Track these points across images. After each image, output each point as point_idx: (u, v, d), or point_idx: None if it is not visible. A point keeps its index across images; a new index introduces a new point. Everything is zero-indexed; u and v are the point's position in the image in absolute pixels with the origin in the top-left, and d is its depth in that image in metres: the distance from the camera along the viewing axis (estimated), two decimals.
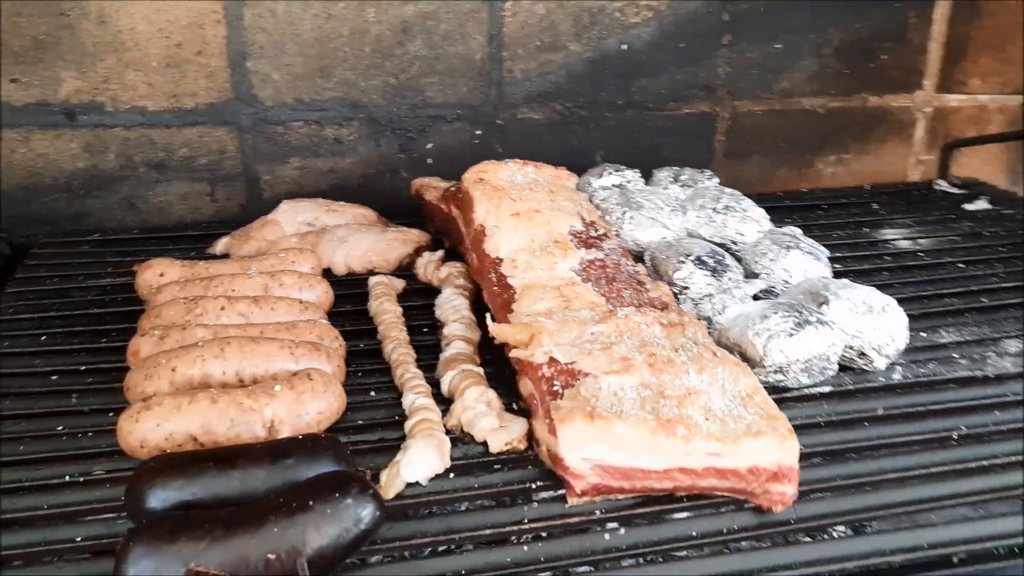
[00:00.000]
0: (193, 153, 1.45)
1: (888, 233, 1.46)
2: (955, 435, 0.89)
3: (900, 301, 1.11)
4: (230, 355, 0.90)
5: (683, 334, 0.91)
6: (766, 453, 0.75)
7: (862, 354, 0.97)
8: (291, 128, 1.47)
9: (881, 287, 1.10)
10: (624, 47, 1.55)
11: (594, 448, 0.77)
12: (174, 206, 1.48)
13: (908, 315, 1.05)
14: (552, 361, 0.86)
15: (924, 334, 1.09)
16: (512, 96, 1.53)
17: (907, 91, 1.70)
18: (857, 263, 1.33)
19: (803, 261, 1.13)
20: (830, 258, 1.21)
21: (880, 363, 0.97)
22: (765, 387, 0.87)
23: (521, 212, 1.13)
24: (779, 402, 0.88)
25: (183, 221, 1.48)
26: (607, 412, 0.78)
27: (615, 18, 1.53)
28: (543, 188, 1.22)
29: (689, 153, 1.62)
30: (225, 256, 1.30)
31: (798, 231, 1.22)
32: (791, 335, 0.91)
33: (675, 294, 1.09)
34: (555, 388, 0.83)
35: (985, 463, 0.86)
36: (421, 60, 1.48)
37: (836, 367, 0.95)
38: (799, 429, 0.80)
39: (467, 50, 1.49)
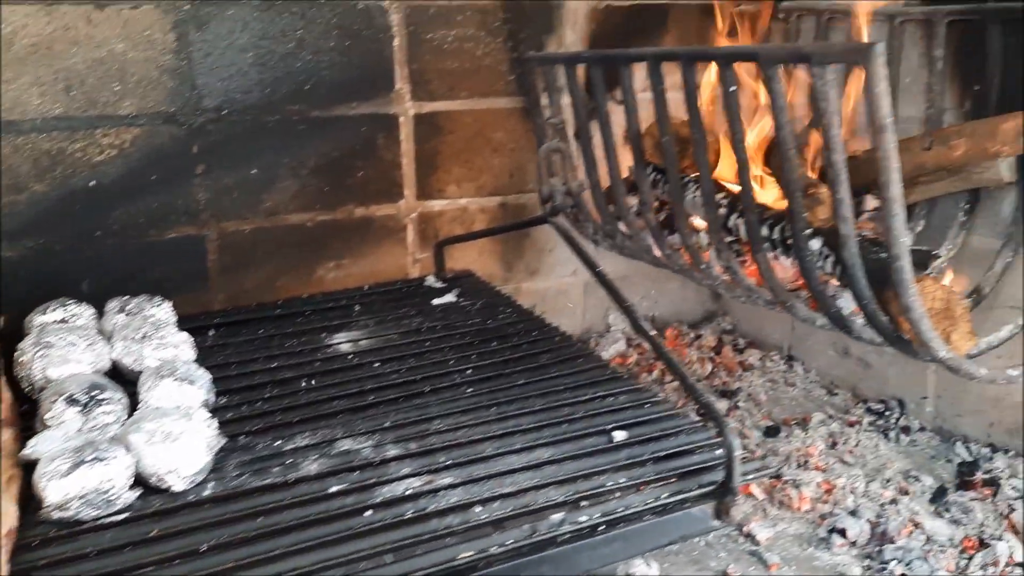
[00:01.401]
0: None
1: (339, 337, 1.63)
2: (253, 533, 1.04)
3: (287, 410, 1.28)
4: None
5: None
6: None
7: (161, 479, 1.10)
8: None
9: (293, 393, 1.30)
10: (93, 183, 1.65)
11: None
12: None
13: (278, 423, 1.23)
14: None
15: (279, 443, 1.25)
16: None
17: (391, 200, 1.91)
18: (286, 371, 1.49)
19: (172, 388, 1.26)
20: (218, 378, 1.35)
21: (180, 484, 1.10)
22: (50, 522, 0.98)
23: None
24: (72, 535, 1.00)
25: None
26: None
27: (78, 158, 1.63)
28: None
29: (183, 274, 1.75)
30: None
31: (185, 355, 1.35)
32: (64, 475, 1.02)
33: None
34: None
35: None
36: None
37: (130, 494, 1.08)
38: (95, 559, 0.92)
39: None
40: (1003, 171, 1.47)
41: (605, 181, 1.67)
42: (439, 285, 1.89)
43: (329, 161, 1.82)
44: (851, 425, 1.81)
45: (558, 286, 2.17)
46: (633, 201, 1.66)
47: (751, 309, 2.26)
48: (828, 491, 1.56)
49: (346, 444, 1.24)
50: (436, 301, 1.80)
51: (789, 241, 1.42)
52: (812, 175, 1.54)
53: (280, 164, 1.79)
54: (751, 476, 1.15)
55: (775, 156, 1.57)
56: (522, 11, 1.90)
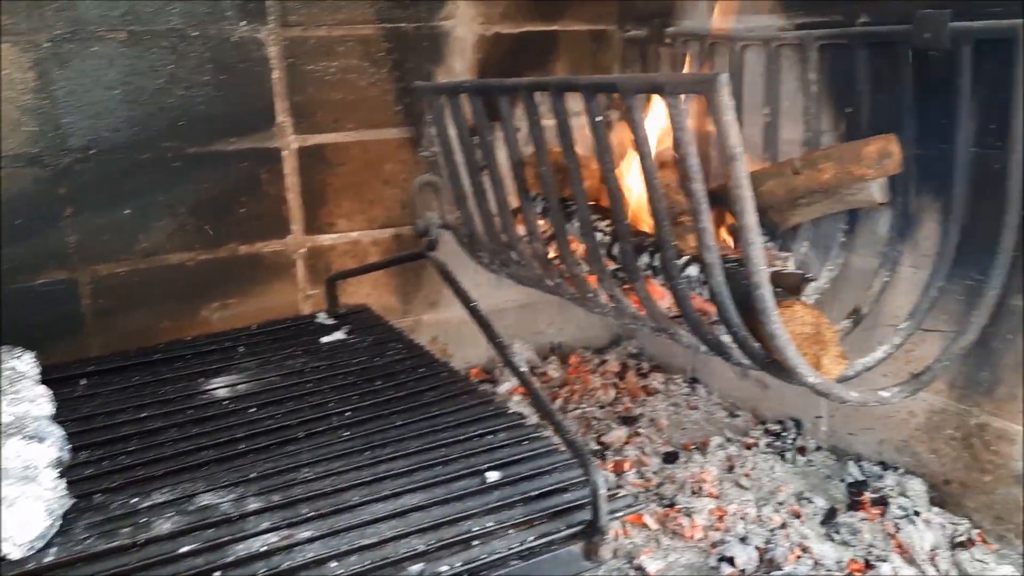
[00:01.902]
0: None
1: (217, 382, 1.57)
2: None
3: (150, 463, 1.22)
4: None
5: None
6: None
7: None
8: None
9: (159, 445, 1.27)
10: None
11: None
12: None
13: (138, 479, 1.17)
14: None
15: (135, 500, 1.19)
16: None
17: (278, 237, 1.86)
18: (156, 420, 1.42)
19: (19, 447, 1.19)
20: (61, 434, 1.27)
21: (16, 552, 1.04)
22: None
23: None
24: None
25: None
26: None
27: None
28: None
29: (56, 320, 1.67)
30: None
31: (39, 411, 1.28)
32: None
33: None
34: None
35: None
36: None
37: None
38: None
39: None
40: (875, 192, 1.48)
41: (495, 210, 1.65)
42: (330, 322, 1.84)
43: (209, 198, 1.77)
44: (748, 448, 1.81)
45: (460, 317, 2.11)
46: (522, 230, 1.64)
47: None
48: (720, 518, 1.55)
49: (206, 499, 1.18)
50: (324, 339, 1.75)
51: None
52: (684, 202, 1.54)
53: (155, 203, 1.73)
54: (620, 513, 1.12)
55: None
56: (407, 41, 1.88)
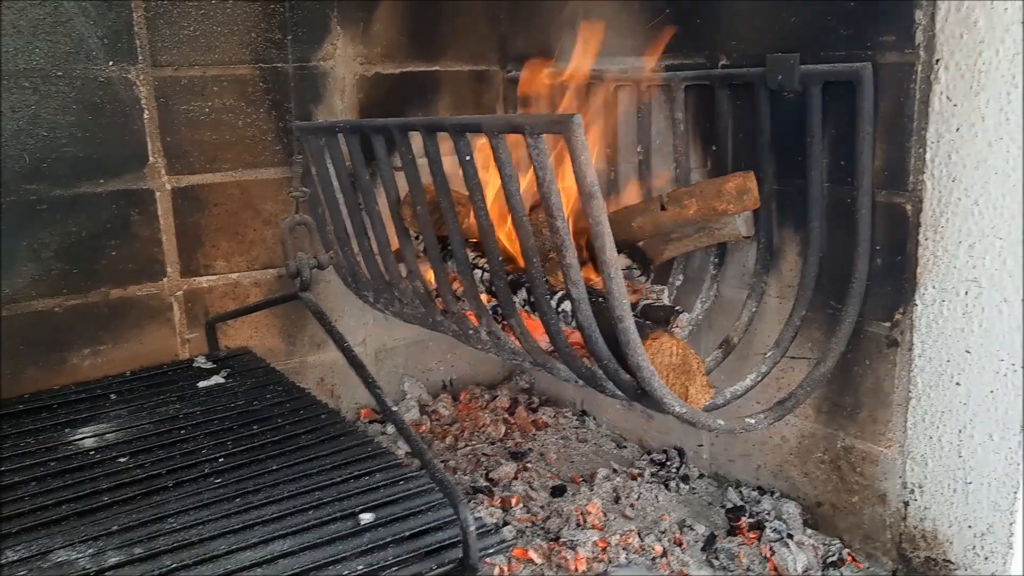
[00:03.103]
0: None
1: (84, 431, 1.51)
2: None
3: (5, 520, 1.15)
4: None
5: None
6: None
7: None
8: None
9: (16, 500, 1.23)
10: None
11: None
12: None
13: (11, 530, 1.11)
14: None
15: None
16: None
17: (152, 279, 1.81)
18: (14, 474, 1.36)
19: None
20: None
21: None
22: None
23: None
24: None
25: None
26: None
27: None
28: None
29: None
30: None
31: None
32: None
33: None
34: None
35: None
36: None
37: None
38: None
39: None
40: (740, 226, 1.54)
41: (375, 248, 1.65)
42: (208, 366, 1.80)
43: (76, 241, 1.71)
44: (634, 478, 1.83)
45: None
46: (404, 269, 1.64)
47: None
48: (604, 549, 1.56)
49: (62, 555, 1.13)
50: (201, 384, 1.71)
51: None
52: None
53: (17, 247, 1.66)
54: (491, 551, 1.12)
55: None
56: (285, 80, 1.87)
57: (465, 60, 2.11)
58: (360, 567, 1.09)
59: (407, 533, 1.17)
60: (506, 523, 1.64)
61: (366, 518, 1.20)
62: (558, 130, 1.06)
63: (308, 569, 1.08)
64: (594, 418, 2.14)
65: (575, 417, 2.16)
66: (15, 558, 1.13)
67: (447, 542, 1.14)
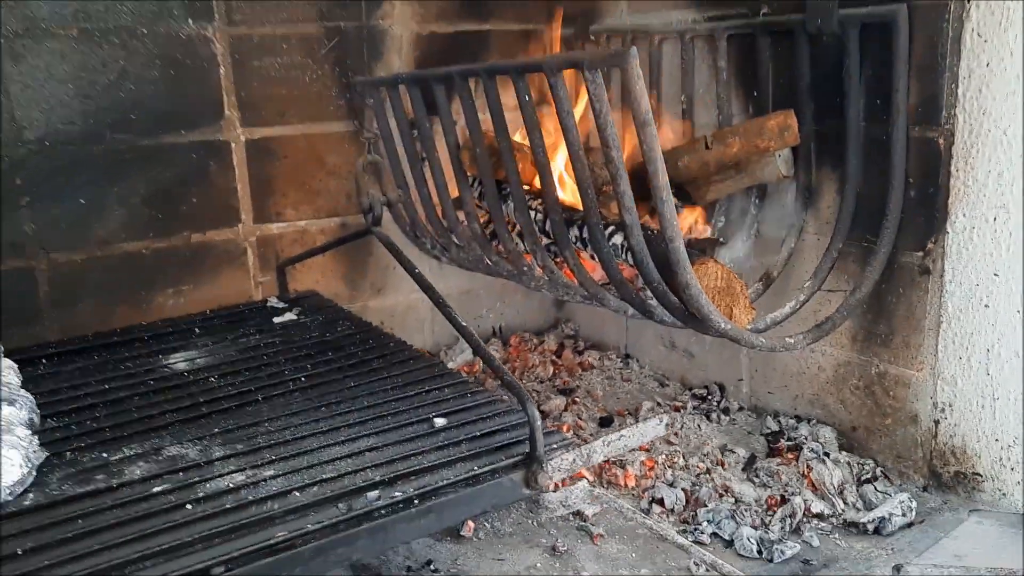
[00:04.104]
0: None
1: (176, 358, 1.66)
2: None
3: (117, 426, 1.30)
4: None
5: None
6: None
7: None
8: None
9: (124, 411, 1.37)
10: None
11: None
12: None
13: (107, 439, 1.26)
14: None
15: (105, 454, 1.27)
16: None
17: (229, 225, 1.95)
18: (119, 391, 1.50)
19: None
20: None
21: None
22: None
23: None
24: None
25: None
26: None
27: None
28: None
29: (13, 308, 1.73)
30: None
31: (11, 381, 1.36)
32: None
33: None
34: None
35: None
36: None
37: None
38: None
39: None
40: (780, 166, 1.64)
41: (434, 195, 1.77)
42: (281, 305, 1.93)
43: (161, 189, 1.85)
44: (677, 410, 1.95)
45: (407, 302, 2.24)
46: (461, 213, 1.76)
47: (591, 314, 2.40)
48: (651, 468, 1.68)
49: (173, 450, 1.27)
50: (277, 320, 1.84)
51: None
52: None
53: (109, 193, 1.80)
54: (555, 446, 1.25)
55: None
56: (347, 39, 1.99)
57: (513, 19, 2.21)
58: (437, 458, 1.22)
59: (478, 433, 1.29)
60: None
61: (440, 422, 1.33)
62: (616, 63, 1.17)
63: (392, 459, 1.21)
64: (637, 360, 2.25)
65: (619, 360, 2.27)
66: (131, 453, 1.27)
67: (514, 440, 1.26)
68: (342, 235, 2.07)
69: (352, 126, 2.03)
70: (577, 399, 2.03)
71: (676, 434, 1.84)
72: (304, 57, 1.95)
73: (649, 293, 1.46)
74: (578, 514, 1.55)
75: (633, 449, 1.64)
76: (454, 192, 1.77)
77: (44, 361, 1.63)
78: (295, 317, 1.86)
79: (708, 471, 1.66)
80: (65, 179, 1.75)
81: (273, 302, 1.95)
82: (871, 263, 1.56)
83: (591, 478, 1.67)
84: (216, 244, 1.94)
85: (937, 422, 1.56)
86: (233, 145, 1.92)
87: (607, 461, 1.71)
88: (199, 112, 1.86)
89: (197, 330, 1.80)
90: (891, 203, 1.52)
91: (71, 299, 1.80)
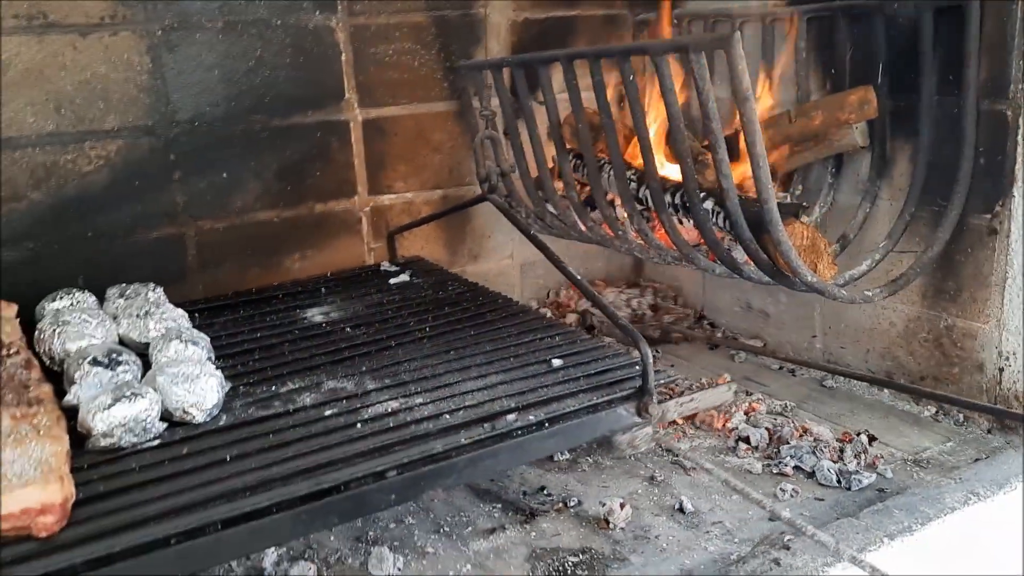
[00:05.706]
0: None
1: (311, 312, 1.87)
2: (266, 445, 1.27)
3: (276, 366, 1.53)
4: None
5: (30, 423, 1.21)
6: (32, 496, 1.06)
7: (185, 411, 1.33)
8: None
9: (279, 354, 1.60)
10: (83, 190, 1.86)
11: None
12: None
13: (270, 376, 1.49)
14: None
15: (274, 388, 1.49)
16: None
17: (347, 197, 2.16)
18: (270, 338, 1.72)
19: (180, 347, 1.48)
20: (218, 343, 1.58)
21: (200, 416, 1.34)
22: (100, 449, 1.22)
23: None
24: (116, 458, 1.23)
25: None
26: None
27: (69, 169, 1.84)
28: None
29: (165, 269, 1.96)
30: None
31: (184, 324, 1.59)
32: (108, 407, 1.25)
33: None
34: None
35: None
36: None
37: (160, 424, 1.31)
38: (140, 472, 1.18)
39: None
40: (857, 137, 1.79)
41: (533, 170, 1.96)
42: (393, 269, 2.14)
43: (290, 164, 2.07)
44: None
45: (498, 268, 2.44)
46: (559, 184, 1.94)
47: (669, 279, 2.57)
48: (751, 411, 1.85)
49: (331, 384, 1.48)
50: (392, 281, 2.05)
51: (688, 204, 1.72)
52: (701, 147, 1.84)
53: (246, 168, 2.02)
54: (663, 380, 1.43)
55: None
56: (451, 26, 2.18)
57: (599, 5, 2.38)
58: (560, 391, 1.41)
59: (592, 372, 1.48)
60: None
61: (557, 362, 1.52)
62: (720, 46, 1.34)
63: (522, 391, 1.41)
64: (712, 323, 2.42)
65: (695, 321, 2.44)
66: (296, 386, 1.49)
67: (626, 376, 1.45)
68: (443, 206, 2.27)
69: (454, 106, 2.23)
70: (657, 353, 2.21)
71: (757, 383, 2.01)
72: (414, 44, 2.15)
73: (738, 253, 1.64)
74: (670, 451, 1.74)
75: (704, 410, 1.81)
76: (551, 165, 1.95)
77: (196, 315, 1.86)
78: (408, 279, 2.06)
79: (788, 415, 1.83)
80: (210, 155, 1.98)
81: (385, 266, 2.16)
82: (942, 225, 1.71)
83: (681, 420, 1.85)
84: (336, 213, 2.16)
85: (1001, 370, 1.70)
86: (352, 124, 2.12)
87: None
88: (323, 94, 2.07)
89: (323, 289, 2.01)
90: (962, 170, 1.66)
91: (214, 262, 2.03)
